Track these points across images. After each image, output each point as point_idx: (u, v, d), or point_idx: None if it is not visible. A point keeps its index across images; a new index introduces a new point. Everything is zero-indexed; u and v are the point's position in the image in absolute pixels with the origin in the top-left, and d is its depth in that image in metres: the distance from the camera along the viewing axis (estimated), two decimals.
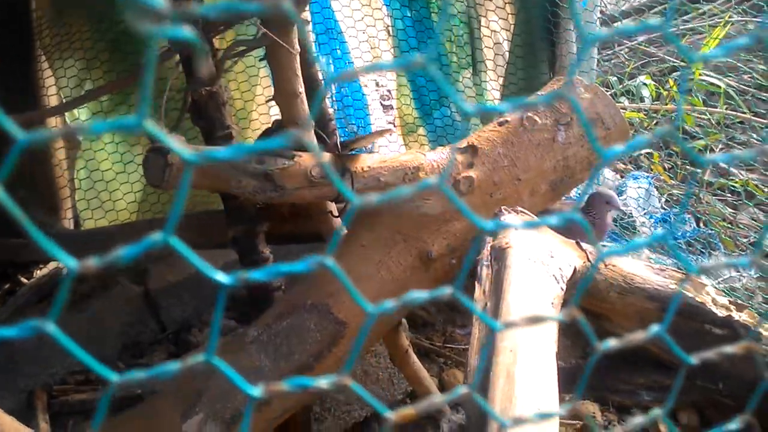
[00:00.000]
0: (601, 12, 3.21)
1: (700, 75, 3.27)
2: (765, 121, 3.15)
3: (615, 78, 3.41)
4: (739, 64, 3.37)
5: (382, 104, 2.65)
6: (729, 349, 0.53)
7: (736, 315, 1.49)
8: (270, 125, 1.96)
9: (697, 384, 1.53)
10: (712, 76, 3.31)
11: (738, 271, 2.47)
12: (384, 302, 0.42)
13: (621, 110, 1.76)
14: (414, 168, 1.61)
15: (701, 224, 2.74)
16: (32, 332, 0.33)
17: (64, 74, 2.37)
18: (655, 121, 3.19)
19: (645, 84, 3.34)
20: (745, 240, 2.64)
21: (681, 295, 1.46)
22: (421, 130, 2.67)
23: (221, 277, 0.36)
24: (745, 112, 3.19)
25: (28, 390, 2.07)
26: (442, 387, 2.06)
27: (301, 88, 1.62)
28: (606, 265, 1.48)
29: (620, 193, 2.69)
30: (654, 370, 1.62)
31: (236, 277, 0.37)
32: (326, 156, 1.63)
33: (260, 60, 2.23)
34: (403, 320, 1.83)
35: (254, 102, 2.52)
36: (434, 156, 1.66)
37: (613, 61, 3.57)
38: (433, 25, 2.53)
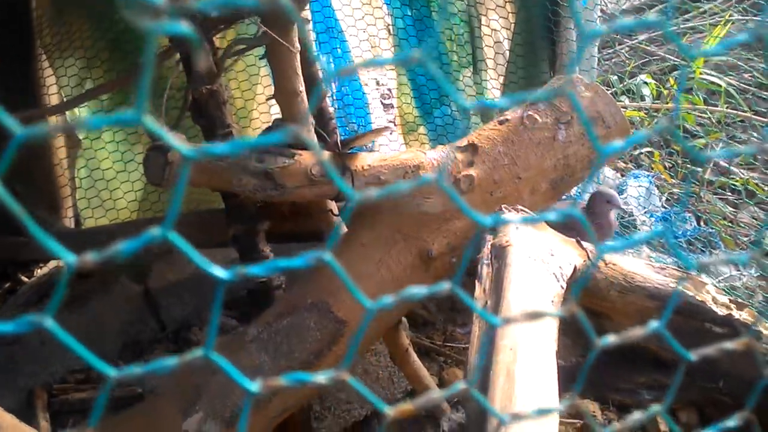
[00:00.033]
0: (602, 11, 3.21)
1: (700, 74, 3.27)
2: (765, 119, 3.14)
3: (616, 77, 3.41)
4: (739, 63, 3.37)
5: (382, 103, 2.65)
6: (728, 345, 0.53)
7: (736, 314, 1.48)
8: (270, 124, 1.96)
9: (697, 383, 1.53)
10: (712, 75, 3.31)
11: (738, 270, 2.47)
12: (382, 298, 0.42)
13: (621, 109, 1.76)
14: (414, 166, 1.61)
15: (702, 223, 2.74)
16: (30, 327, 0.33)
17: (64, 73, 2.37)
18: (655, 120, 3.19)
19: (646, 83, 3.34)
20: (745, 239, 2.64)
21: (680, 292, 1.46)
22: (421, 129, 2.67)
23: (219, 271, 0.36)
24: (745, 111, 3.19)
25: (29, 389, 2.07)
26: (442, 386, 2.06)
27: (302, 87, 1.62)
28: (606, 264, 1.48)
29: (621, 192, 2.69)
30: (654, 369, 1.62)
31: (234, 272, 0.37)
32: (326, 154, 1.63)
33: (260, 59, 2.23)
34: (404, 319, 1.83)
35: (255, 101, 2.52)
36: (435, 155, 1.66)
37: (613, 60, 3.57)
38: (433, 24, 2.53)
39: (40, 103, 2.35)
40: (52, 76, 2.38)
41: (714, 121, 3.18)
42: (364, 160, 1.61)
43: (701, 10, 3.60)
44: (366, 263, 1.57)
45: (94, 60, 2.38)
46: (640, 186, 2.77)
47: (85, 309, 2.22)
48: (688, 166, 2.96)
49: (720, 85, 3.25)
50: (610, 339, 0.47)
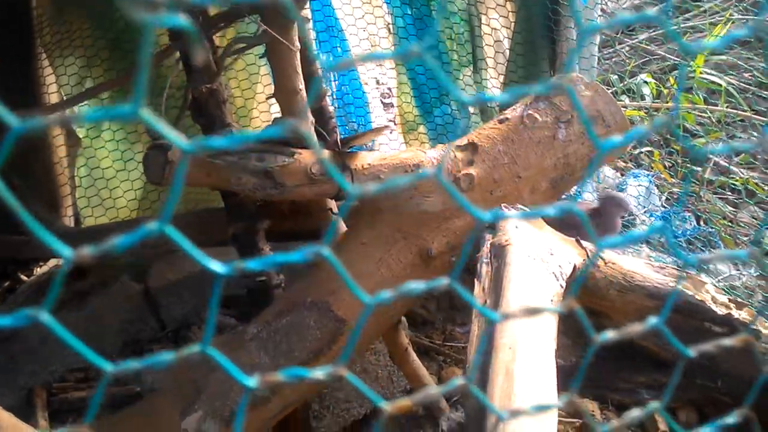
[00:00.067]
0: (602, 10, 3.21)
1: (700, 73, 3.27)
2: (765, 118, 3.14)
3: (616, 76, 3.41)
4: (739, 62, 3.37)
5: (382, 102, 2.65)
6: (727, 341, 0.53)
7: (735, 313, 1.48)
8: (270, 123, 1.96)
9: (696, 382, 1.52)
10: (712, 74, 3.31)
11: (738, 270, 2.47)
12: (381, 293, 0.42)
13: (622, 108, 1.76)
14: (414, 165, 1.61)
15: (702, 222, 2.74)
16: (27, 321, 0.33)
17: (64, 72, 2.37)
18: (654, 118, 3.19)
19: (646, 82, 3.34)
20: (745, 238, 2.64)
21: (680, 291, 1.46)
22: (421, 128, 2.67)
23: (216, 266, 0.36)
24: (745, 110, 3.19)
25: (28, 387, 2.07)
26: None
27: (302, 85, 1.62)
28: (606, 263, 1.48)
29: (621, 191, 2.69)
30: (654, 369, 1.62)
31: (231, 267, 0.37)
32: (326, 153, 1.63)
33: (260, 57, 2.23)
34: (403, 318, 1.83)
35: (254, 99, 2.52)
36: (435, 153, 1.66)
37: (613, 59, 3.56)
38: (433, 23, 2.53)
39: (40, 102, 2.35)
40: (52, 75, 2.39)
41: (714, 120, 3.18)
42: (364, 159, 1.61)
43: (702, 9, 3.60)
44: (366, 262, 1.57)
45: (94, 59, 2.38)
46: (639, 185, 2.77)
47: (85, 308, 2.22)
48: (688, 165, 2.96)
49: (720, 85, 3.25)
50: (609, 335, 0.47)
